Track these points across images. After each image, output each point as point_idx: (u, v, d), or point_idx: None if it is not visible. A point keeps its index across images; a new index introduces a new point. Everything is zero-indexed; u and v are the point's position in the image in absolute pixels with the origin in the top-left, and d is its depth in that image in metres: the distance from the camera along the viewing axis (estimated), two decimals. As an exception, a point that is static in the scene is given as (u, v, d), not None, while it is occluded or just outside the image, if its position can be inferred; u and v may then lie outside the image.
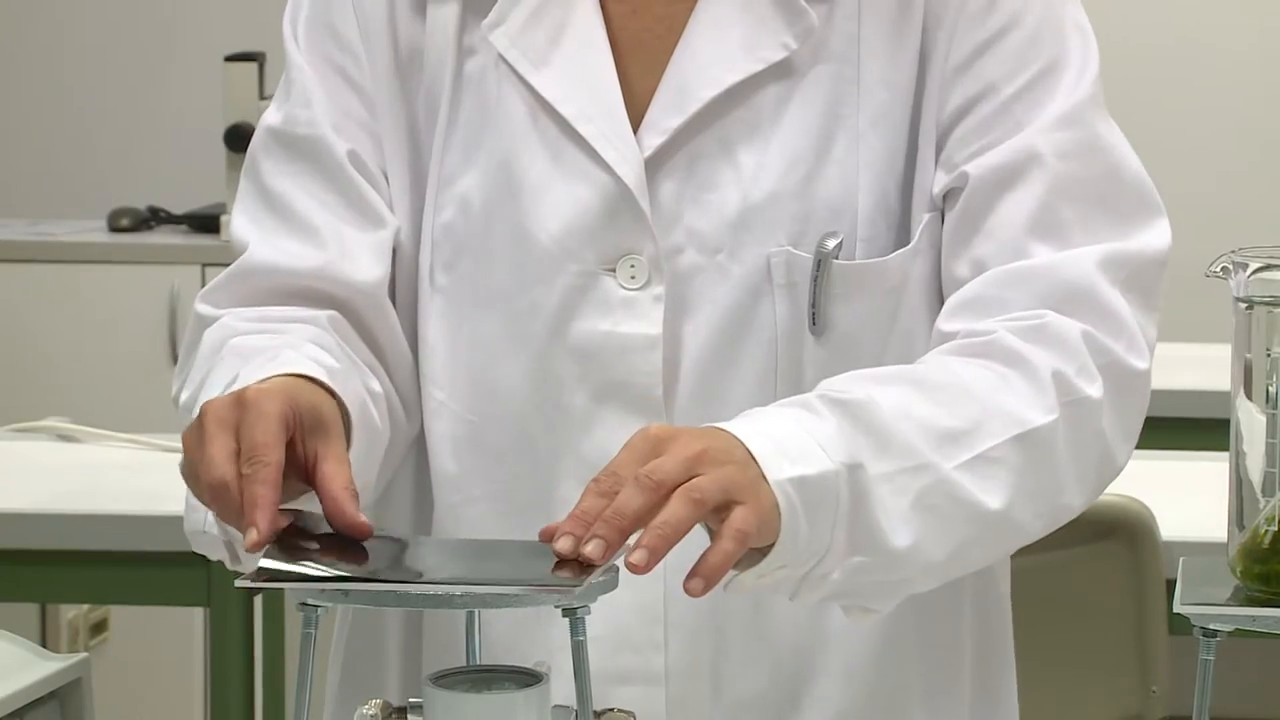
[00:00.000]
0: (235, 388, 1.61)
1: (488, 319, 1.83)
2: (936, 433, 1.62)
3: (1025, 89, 1.80)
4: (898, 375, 1.68)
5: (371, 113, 1.88)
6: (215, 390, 1.66)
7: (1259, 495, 1.50)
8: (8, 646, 1.89)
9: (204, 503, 1.56)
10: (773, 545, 1.52)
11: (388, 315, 1.86)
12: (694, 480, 1.48)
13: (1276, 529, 1.48)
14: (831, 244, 1.77)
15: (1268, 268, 1.49)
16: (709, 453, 1.51)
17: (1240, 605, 1.48)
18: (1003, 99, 1.80)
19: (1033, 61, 1.80)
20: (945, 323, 1.77)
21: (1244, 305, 1.49)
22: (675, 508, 1.46)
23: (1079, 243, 1.76)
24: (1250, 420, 1.50)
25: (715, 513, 1.48)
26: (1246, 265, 1.49)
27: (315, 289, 1.82)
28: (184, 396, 1.77)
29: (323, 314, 1.81)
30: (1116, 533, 2.76)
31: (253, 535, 1.48)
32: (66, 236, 5.91)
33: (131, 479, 3.55)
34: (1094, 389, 1.68)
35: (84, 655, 1.96)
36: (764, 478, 1.52)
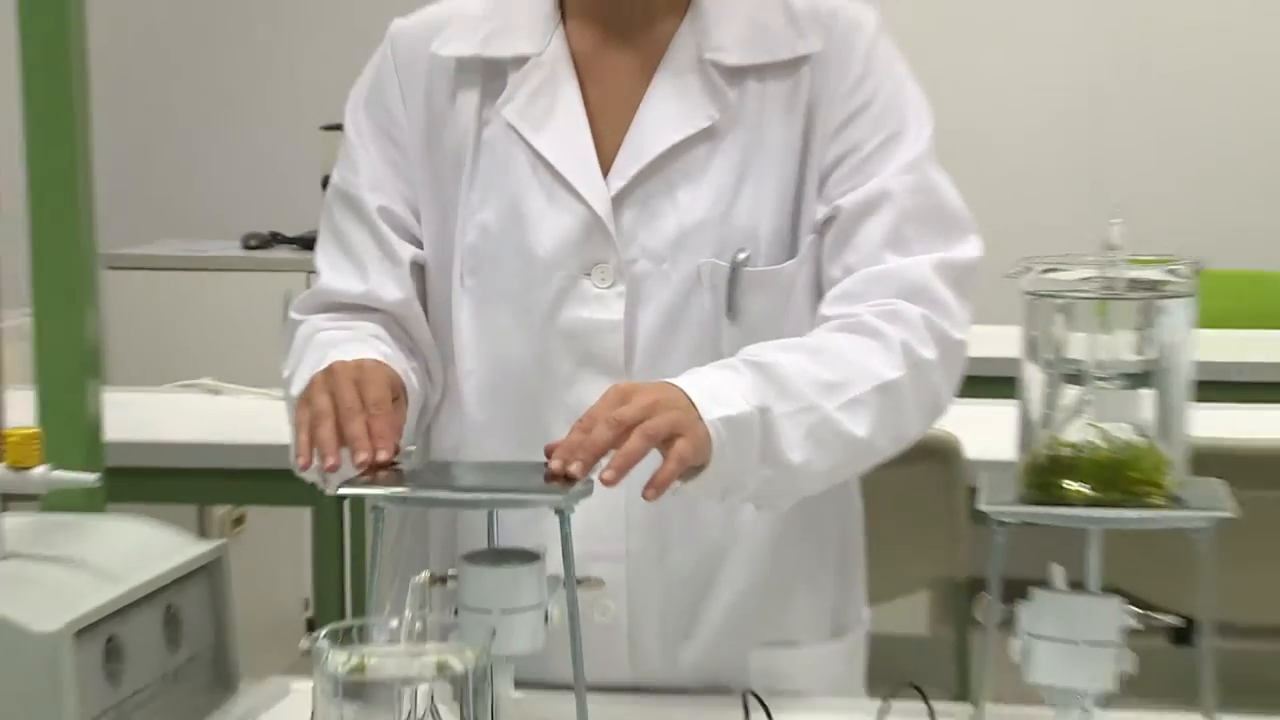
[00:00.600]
0: (329, 362, 1.65)
1: (501, 310, 1.81)
2: (820, 384, 1.62)
3: (879, 148, 1.78)
4: (794, 345, 1.69)
5: (409, 163, 1.86)
6: (308, 367, 1.70)
7: (1037, 429, 1.50)
8: (172, 534, 1.80)
9: (311, 435, 1.55)
10: (706, 465, 1.54)
11: (417, 318, 1.86)
12: (648, 421, 1.49)
13: (1049, 453, 1.47)
14: (742, 256, 1.76)
15: (1047, 270, 1.49)
16: (660, 401, 1.52)
17: (1022, 505, 1.46)
18: (864, 155, 1.78)
19: (884, 128, 1.78)
20: (825, 309, 1.76)
21: (1030, 296, 1.49)
22: (634, 441, 1.47)
23: (918, 253, 1.75)
24: (1032, 378, 1.50)
25: (664, 444, 1.48)
26: (1031, 269, 1.49)
27: (361, 306, 1.85)
28: (285, 373, 1.81)
29: (376, 315, 1.87)
30: (936, 455, 2.85)
31: (383, 455, 1.53)
32: (212, 252, 5.90)
33: (259, 418, 3.46)
34: (930, 354, 1.68)
35: (224, 541, 1.89)
36: (700, 418, 1.53)
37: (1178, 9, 5.80)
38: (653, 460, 1.50)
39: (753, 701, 1.68)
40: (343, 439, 1.55)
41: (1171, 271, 1.45)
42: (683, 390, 1.56)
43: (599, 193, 1.76)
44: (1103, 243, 1.46)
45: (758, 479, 1.60)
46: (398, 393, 1.68)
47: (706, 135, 1.77)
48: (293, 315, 1.88)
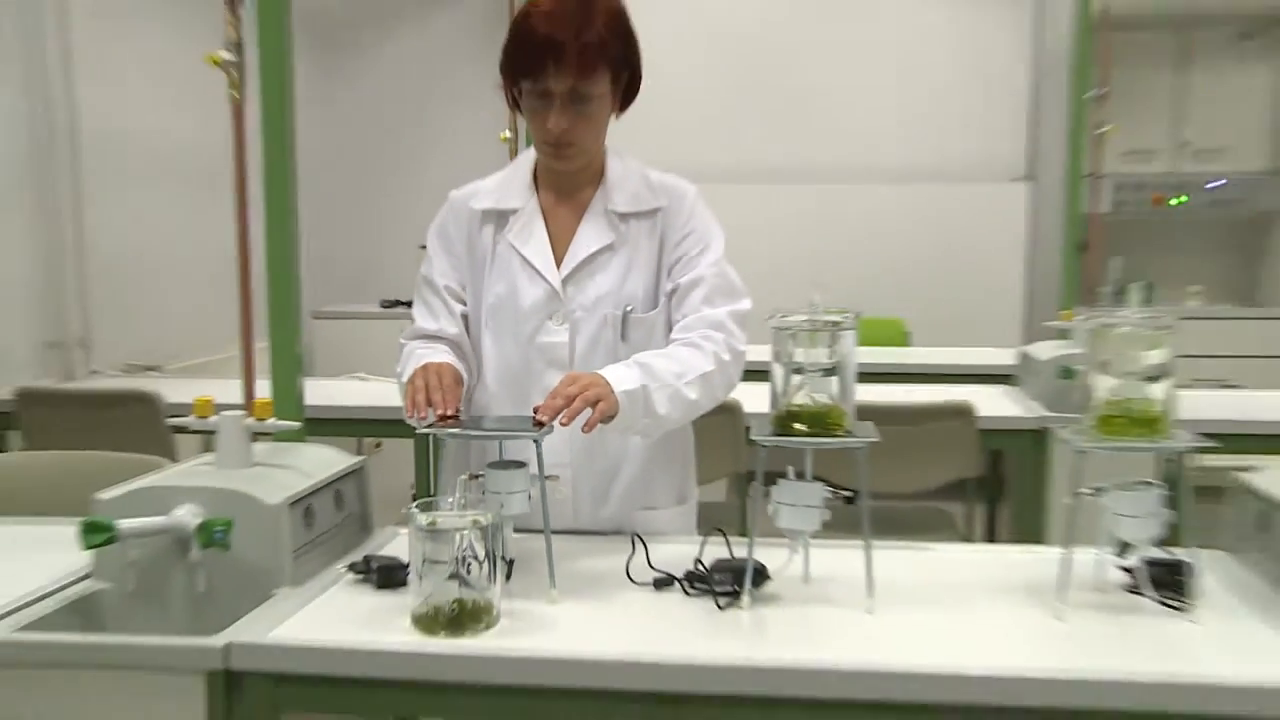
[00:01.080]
0: (423, 363, 1.79)
1: (505, 338, 1.97)
2: (672, 373, 1.79)
3: (698, 254, 1.94)
4: (659, 353, 1.84)
5: (458, 263, 1.99)
6: (411, 366, 1.83)
7: (779, 397, 1.65)
8: (338, 453, 1.96)
9: (414, 399, 1.71)
10: (615, 416, 1.71)
11: (465, 343, 1.98)
12: (585, 393, 1.67)
13: (786, 410, 1.64)
14: (629, 309, 1.94)
15: (784, 315, 1.62)
16: (592, 383, 1.69)
17: (772, 436, 1.61)
18: (689, 258, 1.94)
19: (700, 244, 1.94)
20: (672, 336, 1.92)
21: (776, 329, 1.64)
22: (577, 404, 1.66)
23: (719, 307, 1.90)
24: (777, 371, 1.64)
25: (593, 404, 1.67)
26: (776, 315, 1.63)
27: (436, 336, 1.96)
28: (398, 369, 1.90)
29: (444, 341, 1.97)
30: (731, 410, 2.96)
31: (449, 410, 1.69)
32: (360, 309, 5.87)
33: (386, 394, 3.50)
34: (727, 357, 1.86)
35: (366, 456, 2.01)
36: (612, 391, 1.71)
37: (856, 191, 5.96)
38: (587, 414, 1.69)
39: (637, 541, 1.84)
40: (430, 402, 1.71)
41: (845, 317, 1.63)
42: (604, 377, 1.73)
43: (555, 277, 1.93)
44: (810, 302, 1.63)
45: (642, 423, 1.78)
46: (458, 380, 1.80)
47: (609, 248, 1.94)
48: (401, 340, 1.99)
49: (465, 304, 2.01)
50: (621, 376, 1.75)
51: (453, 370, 1.81)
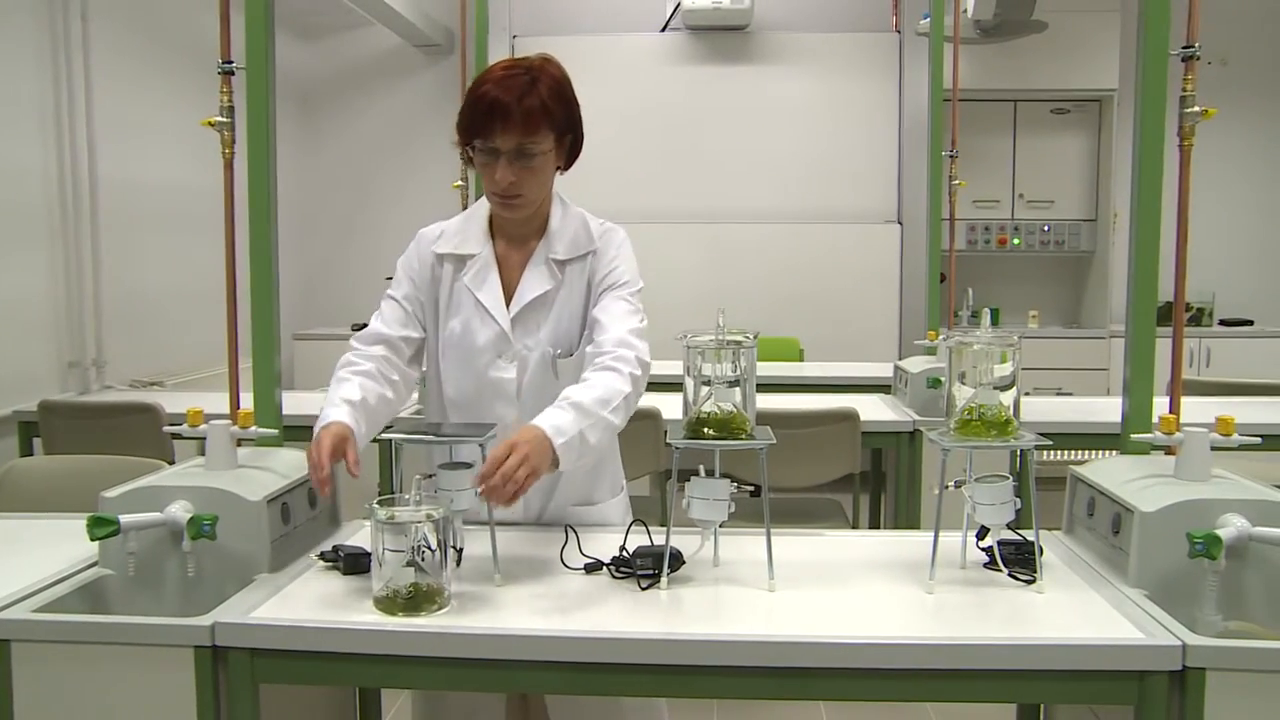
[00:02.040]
0: (322, 425, 1.68)
1: (463, 370, 1.88)
2: (599, 401, 1.68)
3: (622, 284, 1.87)
4: (586, 387, 1.71)
5: (418, 292, 1.91)
6: (324, 412, 1.72)
7: (690, 405, 1.64)
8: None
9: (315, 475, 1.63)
10: (559, 464, 1.61)
11: (404, 347, 1.87)
12: (520, 469, 1.52)
13: (697, 416, 1.62)
14: (557, 352, 1.86)
15: (694, 335, 1.62)
16: (529, 454, 1.55)
17: (690, 439, 1.60)
18: (608, 289, 1.86)
19: (623, 278, 1.87)
20: (591, 352, 1.81)
21: (686, 347, 1.63)
22: (513, 485, 1.52)
23: (625, 326, 1.80)
24: (688, 382, 1.63)
25: (530, 473, 1.55)
26: (686, 335, 1.63)
27: (385, 336, 1.86)
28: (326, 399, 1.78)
29: (379, 351, 1.86)
30: (651, 416, 2.93)
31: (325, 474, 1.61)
32: (335, 331, 5.70)
33: None
34: (640, 372, 1.75)
35: (335, 460, 1.74)
36: (552, 446, 1.59)
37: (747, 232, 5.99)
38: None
39: (570, 532, 1.76)
40: (319, 481, 1.61)
41: (746, 336, 1.63)
42: (542, 430, 1.60)
43: (505, 320, 1.86)
44: (717, 323, 1.61)
45: (580, 460, 1.65)
46: (345, 437, 1.65)
47: (551, 291, 1.86)
48: (351, 344, 1.89)
49: (420, 320, 1.92)
50: (559, 425, 1.63)
51: (339, 431, 1.67)
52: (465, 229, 1.93)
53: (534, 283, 1.87)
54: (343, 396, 1.75)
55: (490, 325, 1.87)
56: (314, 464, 1.63)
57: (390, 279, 1.96)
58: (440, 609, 1.53)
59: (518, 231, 1.90)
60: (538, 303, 1.87)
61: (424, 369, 1.96)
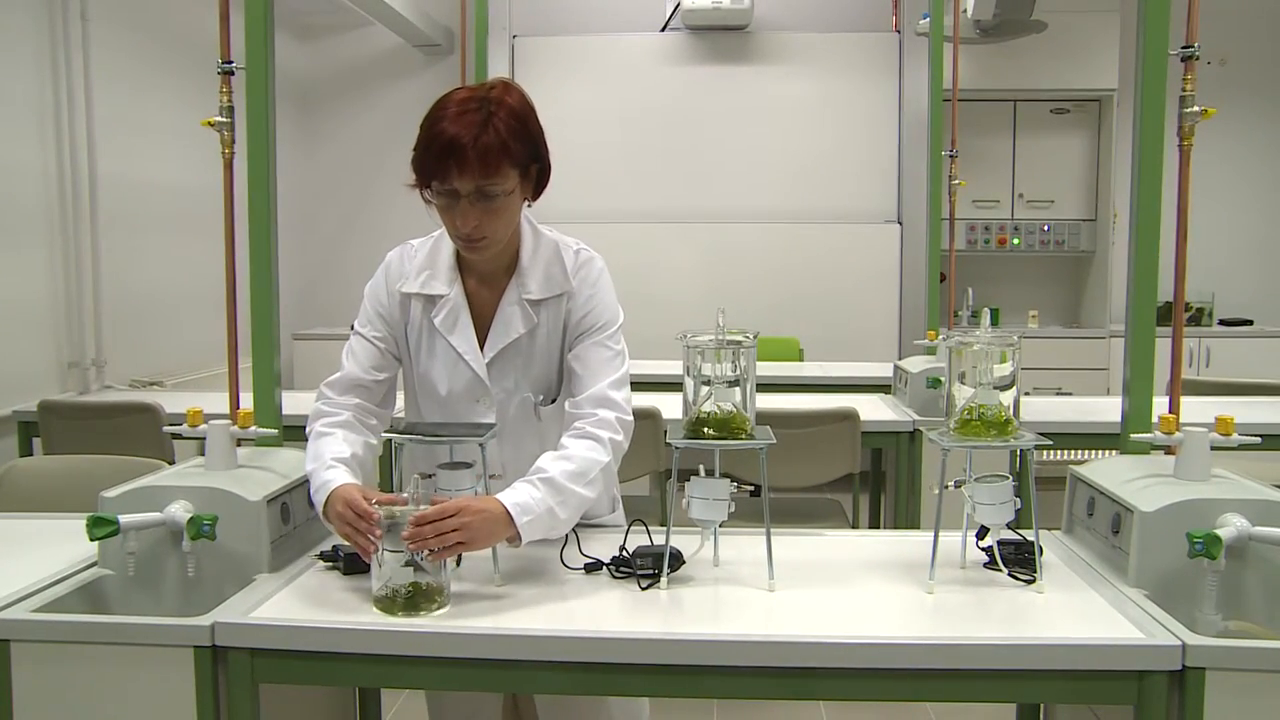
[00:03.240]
0: (327, 493, 1.61)
1: (441, 412, 1.80)
2: (570, 475, 1.63)
3: (599, 328, 1.78)
4: (562, 457, 1.66)
5: (388, 326, 1.81)
6: (317, 478, 1.66)
7: (690, 405, 1.62)
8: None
9: (359, 543, 1.56)
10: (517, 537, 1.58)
11: (379, 390, 1.81)
12: (456, 532, 1.50)
13: (697, 416, 1.59)
14: (539, 399, 1.80)
15: (694, 335, 1.60)
16: (471, 523, 1.51)
17: (690, 439, 1.59)
18: (585, 333, 1.78)
19: (599, 320, 1.78)
20: (569, 411, 1.75)
21: (686, 346, 1.61)
22: (440, 540, 1.50)
23: (603, 380, 1.74)
24: (688, 383, 1.62)
25: (458, 542, 1.52)
26: (686, 335, 1.61)
27: (359, 381, 1.78)
28: (307, 468, 1.70)
29: (352, 400, 1.78)
30: (650, 416, 2.82)
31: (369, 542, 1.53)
32: (335, 331, 5.62)
33: None
34: (619, 437, 1.71)
35: None
36: (514, 524, 1.56)
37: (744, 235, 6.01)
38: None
39: (570, 533, 1.72)
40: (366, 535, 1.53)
41: (746, 336, 1.61)
42: (504, 508, 1.55)
43: (480, 366, 1.77)
44: (716, 323, 1.59)
45: (549, 533, 1.62)
46: (364, 495, 1.58)
47: (528, 335, 1.77)
48: (321, 392, 1.80)
49: (395, 354, 1.84)
50: (524, 504, 1.59)
51: (351, 493, 1.59)
52: (433, 263, 1.81)
53: (508, 326, 1.78)
54: (333, 456, 1.69)
55: (464, 370, 1.79)
56: (357, 530, 1.55)
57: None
58: (440, 608, 1.52)
59: (488, 268, 1.80)
60: (513, 347, 1.79)
61: (401, 396, 1.90)
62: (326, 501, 1.62)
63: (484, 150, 1.60)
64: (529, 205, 1.77)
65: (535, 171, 1.71)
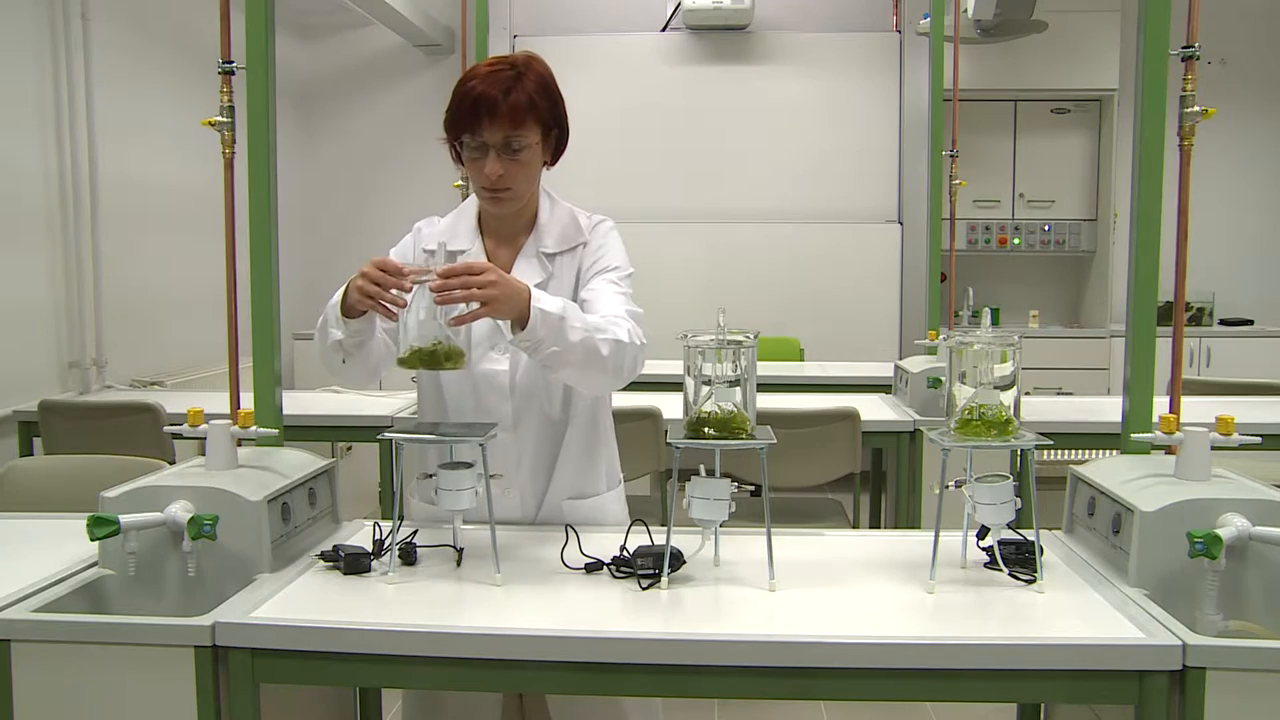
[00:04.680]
0: (338, 293, 1.72)
1: None
2: (593, 325, 1.68)
3: (610, 269, 1.87)
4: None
5: None
6: (336, 296, 1.76)
7: (691, 405, 1.61)
8: (312, 455, 1.92)
9: (357, 301, 1.65)
10: (525, 326, 1.60)
11: (386, 327, 1.83)
12: (483, 289, 1.55)
13: (697, 415, 1.60)
14: None
15: (694, 335, 1.61)
16: (498, 283, 1.56)
17: (690, 439, 1.59)
18: (598, 272, 1.86)
19: (612, 264, 1.88)
20: None
21: (686, 346, 1.62)
22: (465, 293, 1.55)
23: (621, 306, 1.79)
24: (689, 382, 1.62)
25: (482, 302, 1.56)
26: (687, 335, 1.61)
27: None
28: (325, 319, 1.81)
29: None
30: (650, 415, 2.76)
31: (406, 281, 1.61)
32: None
33: (356, 403, 3.55)
34: (638, 342, 1.75)
35: (337, 459, 2.00)
36: (529, 303, 1.60)
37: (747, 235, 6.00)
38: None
39: (571, 532, 1.75)
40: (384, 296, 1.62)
41: (746, 336, 1.61)
42: (527, 286, 1.62)
43: None
44: (717, 322, 1.60)
45: (549, 350, 1.63)
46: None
47: (543, 283, 1.83)
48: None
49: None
50: (545, 298, 1.65)
51: (380, 259, 1.69)
52: (455, 225, 1.93)
53: (525, 275, 1.84)
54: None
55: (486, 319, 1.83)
56: (383, 287, 1.61)
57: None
58: (455, 368, 1.61)
59: (507, 229, 1.90)
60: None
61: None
62: (346, 289, 1.69)
63: (513, 105, 1.74)
64: (547, 168, 1.88)
65: (555, 136, 1.84)
